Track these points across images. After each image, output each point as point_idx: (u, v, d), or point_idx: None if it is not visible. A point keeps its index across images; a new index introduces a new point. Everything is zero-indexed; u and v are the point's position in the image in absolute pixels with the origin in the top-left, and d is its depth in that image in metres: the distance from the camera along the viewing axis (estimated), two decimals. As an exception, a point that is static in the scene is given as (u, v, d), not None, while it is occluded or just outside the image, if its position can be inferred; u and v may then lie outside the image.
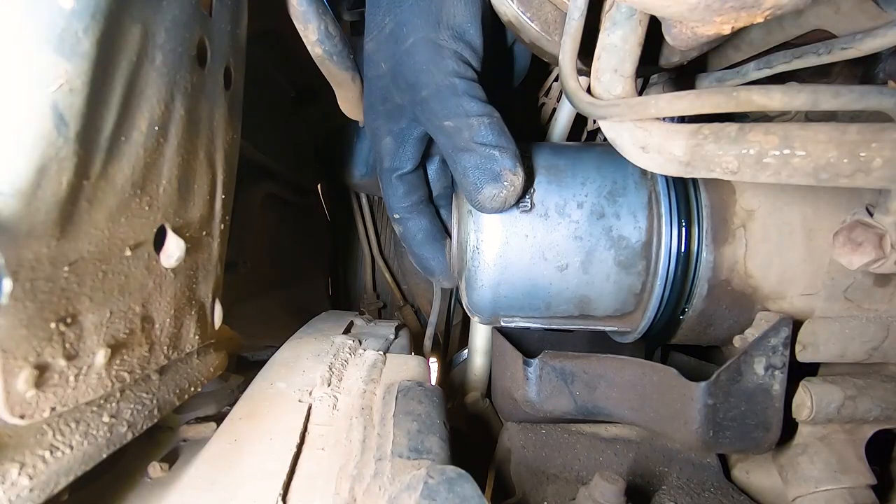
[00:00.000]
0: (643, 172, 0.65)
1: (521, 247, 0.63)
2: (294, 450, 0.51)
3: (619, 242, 0.63)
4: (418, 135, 0.66)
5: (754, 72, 0.70)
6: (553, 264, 0.64)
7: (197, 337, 0.59)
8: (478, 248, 0.63)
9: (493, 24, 0.67)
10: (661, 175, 0.64)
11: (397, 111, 0.66)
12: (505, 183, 0.58)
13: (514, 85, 0.80)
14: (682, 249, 0.63)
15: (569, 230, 0.63)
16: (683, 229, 0.62)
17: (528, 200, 0.63)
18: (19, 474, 0.37)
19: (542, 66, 0.88)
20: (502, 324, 0.71)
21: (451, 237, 0.73)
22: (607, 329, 0.74)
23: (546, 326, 0.73)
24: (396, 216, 0.72)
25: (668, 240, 0.62)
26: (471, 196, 0.59)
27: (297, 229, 1.41)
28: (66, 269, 0.39)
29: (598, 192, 0.64)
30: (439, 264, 0.74)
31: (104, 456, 0.44)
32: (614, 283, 0.64)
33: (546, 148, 0.69)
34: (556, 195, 0.64)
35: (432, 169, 0.74)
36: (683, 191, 0.64)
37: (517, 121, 0.87)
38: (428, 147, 0.70)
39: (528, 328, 0.75)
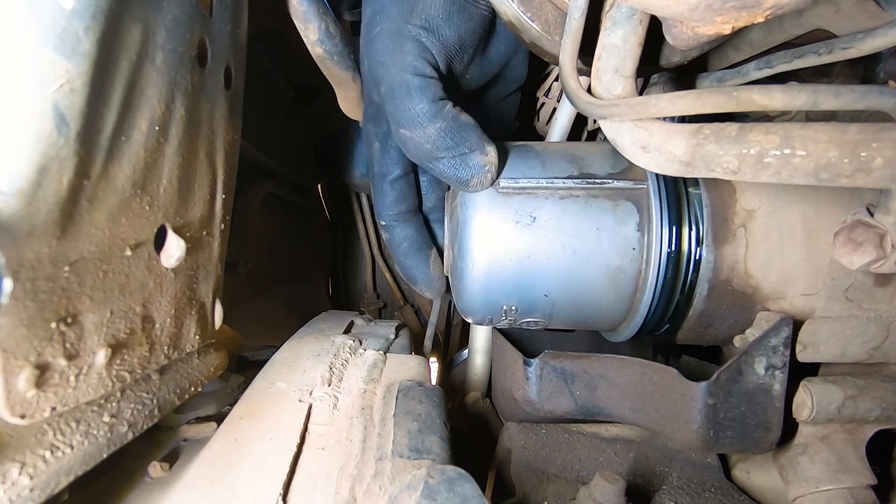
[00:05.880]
0: (635, 173, 0.65)
1: (510, 249, 0.63)
2: (294, 449, 0.51)
3: (609, 245, 0.63)
4: None
5: (755, 71, 0.70)
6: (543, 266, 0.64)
7: (197, 337, 0.59)
8: (469, 249, 0.63)
9: (489, 32, 0.67)
10: (654, 175, 0.64)
11: (379, 112, 0.65)
12: (484, 168, 0.60)
13: (508, 92, 0.79)
14: (673, 251, 0.62)
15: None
16: (674, 230, 0.62)
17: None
18: (20, 474, 0.37)
19: (543, 66, 0.88)
20: (494, 325, 0.71)
21: (437, 248, 0.75)
22: (598, 328, 0.74)
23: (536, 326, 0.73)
24: (383, 223, 0.72)
25: (659, 242, 0.62)
26: (459, 189, 0.64)
27: (297, 229, 1.41)
28: (66, 268, 0.39)
29: (586, 195, 0.64)
30: (422, 274, 0.74)
31: (104, 456, 0.44)
32: (604, 285, 0.64)
33: (525, 153, 0.67)
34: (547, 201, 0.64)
35: (425, 180, 0.74)
36: (675, 192, 0.64)
37: (517, 121, 0.87)
38: None
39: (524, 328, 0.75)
